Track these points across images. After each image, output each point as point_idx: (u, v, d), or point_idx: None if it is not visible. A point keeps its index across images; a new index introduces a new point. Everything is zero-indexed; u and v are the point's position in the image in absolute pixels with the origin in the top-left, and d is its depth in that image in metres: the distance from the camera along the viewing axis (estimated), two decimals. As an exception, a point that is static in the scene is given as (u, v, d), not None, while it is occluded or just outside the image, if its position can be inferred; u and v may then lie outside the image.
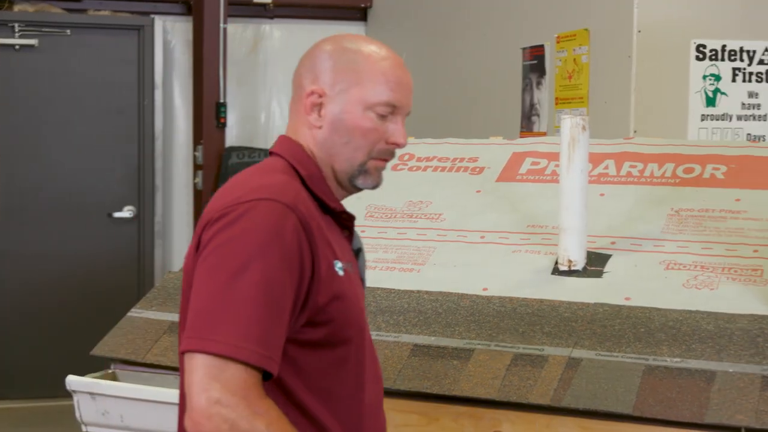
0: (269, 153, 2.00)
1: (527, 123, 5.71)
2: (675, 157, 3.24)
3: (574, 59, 5.01)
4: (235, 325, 1.69)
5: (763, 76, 5.02)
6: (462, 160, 3.49)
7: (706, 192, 3.07)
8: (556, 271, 2.90)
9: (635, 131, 4.68)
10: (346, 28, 7.23)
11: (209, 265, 1.76)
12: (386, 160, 1.97)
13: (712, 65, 4.92)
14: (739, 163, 3.16)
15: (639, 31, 4.70)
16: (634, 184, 3.19)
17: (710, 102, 4.95)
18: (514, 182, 3.32)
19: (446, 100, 6.40)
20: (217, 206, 1.83)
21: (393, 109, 1.94)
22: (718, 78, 4.95)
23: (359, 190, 1.98)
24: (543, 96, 5.38)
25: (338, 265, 1.87)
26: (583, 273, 2.86)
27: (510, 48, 5.69)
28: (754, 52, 4.98)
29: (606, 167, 3.28)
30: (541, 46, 5.36)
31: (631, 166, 3.25)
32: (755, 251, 2.79)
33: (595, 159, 3.25)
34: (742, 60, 4.98)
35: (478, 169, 3.43)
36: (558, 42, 5.17)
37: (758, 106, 5.05)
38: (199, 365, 1.68)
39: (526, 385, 2.50)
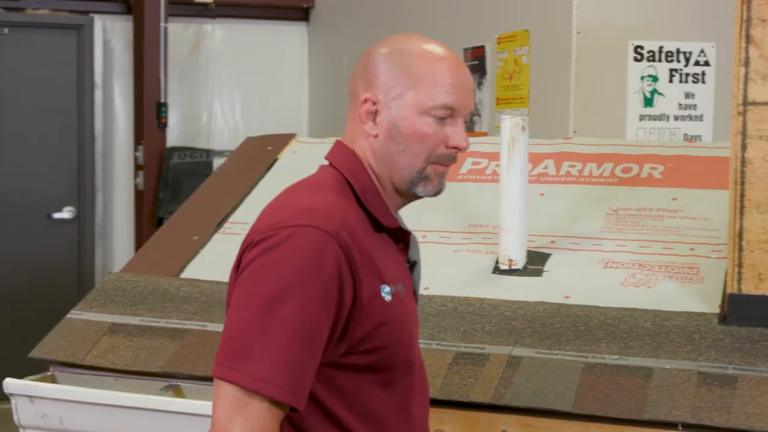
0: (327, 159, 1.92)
1: (469, 123, 5.74)
2: (613, 157, 3.28)
3: (515, 60, 5.05)
4: (266, 358, 1.67)
5: (699, 77, 5.10)
6: (403, 160, 3.49)
7: (643, 191, 3.11)
8: (496, 270, 2.92)
9: (575, 131, 4.73)
10: (287, 28, 7.23)
11: (246, 290, 1.72)
12: (447, 165, 1.88)
13: (649, 66, 4.99)
14: (676, 162, 3.21)
15: (578, 33, 4.75)
16: (574, 184, 3.22)
17: (648, 102, 5.02)
18: (455, 182, 3.33)
19: (388, 100, 6.40)
20: (261, 226, 1.77)
21: (452, 112, 1.84)
22: (655, 79, 5.02)
23: (420, 197, 1.90)
24: (484, 96, 5.41)
25: (385, 290, 1.79)
26: (523, 272, 2.89)
27: (453, 49, 5.71)
28: (691, 53, 5.05)
29: (546, 167, 3.31)
30: (482, 47, 5.39)
31: (571, 166, 3.29)
32: (692, 249, 2.84)
33: (534, 159, 3.28)
34: (678, 61, 5.05)
35: (419, 169, 3.44)
36: (499, 43, 5.20)
37: (694, 106, 5.13)
38: (226, 394, 1.68)
39: (467, 384, 2.51)
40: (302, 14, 7.25)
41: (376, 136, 1.85)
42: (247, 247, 1.77)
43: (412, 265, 1.96)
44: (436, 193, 1.89)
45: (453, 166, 3.40)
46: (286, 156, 3.63)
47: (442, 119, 1.84)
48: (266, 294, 1.69)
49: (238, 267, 1.79)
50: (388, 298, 1.80)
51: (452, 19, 5.73)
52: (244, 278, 1.73)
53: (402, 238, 1.92)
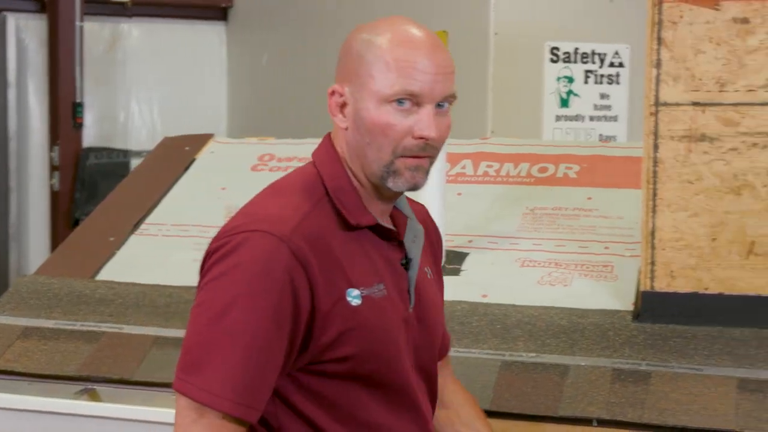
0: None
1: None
2: (530, 157, 3.32)
3: (433, 60, 5.08)
4: (218, 371, 1.62)
5: (614, 79, 5.19)
6: (322, 160, 3.49)
7: (559, 191, 3.15)
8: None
9: (492, 131, 4.77)
10: (206, 27, 7.18)
11: (199, 300, 1.67)
12: (419, 157, 1.72)
13: (565, 67, 5.06)
14: (591, 162, 3.25)
15: (496, 34, 4.80)
16: (491, 184, 3.25)
17: (564, 103, 5.09)
18: (373, 182, 3.34)
19: (309, 99, 6.40)
20: (219, 233, 1.71)
21: (415, 99, 1.70)
22: (571, 80, 5.09)
23: (400, 193, 1.78)
24: (403, 96, 5.43)
25: (353, 293, 1.70)
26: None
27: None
28: (605, 54, 5.14)
29: (463, 167, 3.34)
30: (401, 48, 5.41)
31: (488, 166, 3.32)
32: (606, 248, 2.88)
33: (452, 159, 3.30)
34: (593, 62, 5.13)
35: (338, 170, 3.44)
36: (417, 43, 5.22)
37: (609, 107, 5.21)
38: (182, 406, 1.65)
39: (386, 383, 2.52)
40: (221, 14, 7.21)
41: (346, 129, 1.76)
42: (206, 255, 1.71)
43: (407, 263, 1.81)
44: (410, 188, 1.74)
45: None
46: (203, 156, 3.60)
47: (405, 108, 1.70)
48: (217, 304, 1.64)
49: (199, 275, 1.74)
50: (355, 302, 1.71)
51: (372, 18, 5.73)
52: (200, 288, 1.69)
53: (388, 235, 1.79)
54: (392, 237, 1.80)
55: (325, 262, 1.68)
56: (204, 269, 1.70)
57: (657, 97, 2.53)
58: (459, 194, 3.21)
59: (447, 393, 2.02)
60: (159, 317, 2.87)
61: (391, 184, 1.73)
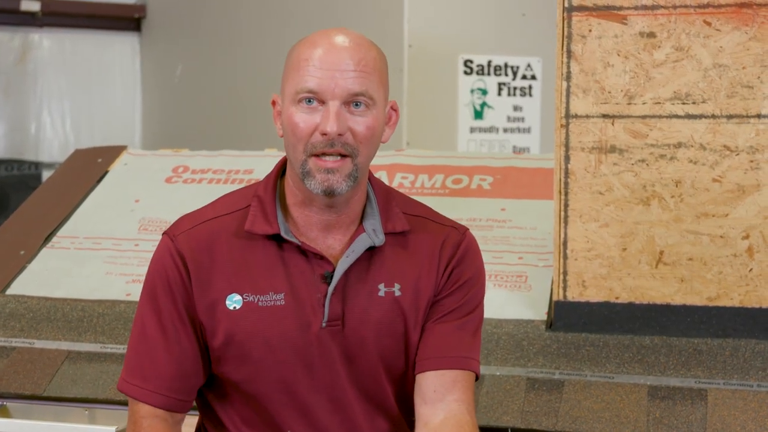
0: None
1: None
2: (444, 169, 3.34)
3: (349, 72, 5.09)
4: (127, 361, 1.88)
5: (527, 91, 5.25)
6: (237, 172, 3.48)
7: (473, 202, 3.17)
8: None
9: (408, 143, 4.80)
10: (119, 38, 7.10)
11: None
12: (325, 154, 1.73)
13: (479, 80, 5.11)
14: (505, 174, 3.29)
15: (410, 46, 4.83)
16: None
17: (478, 115, 5.14)
18: (289, 194, 3.34)
19: (223, 111, 6.36)
20: None
21: (317, 96, 1.73)
22: (484, 92, 5.14)
23: (330, 197, 1.76)
24: (319, 108, 5.43)
25: (234, 298, 1.76)
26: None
27: (284, 60, 5.72)
28: (518, 67, 5.20)
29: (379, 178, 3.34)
30: (317, 59, 5.42)
31: (403, 178, 3.33)
32: (520, 258, 2.91)
33: (368, 171, 3.30)
34: (507, 75, 5.19)
35: (253, 181, 3.42)
36: (332, 55, 5.23)
37: (522, 119, 5.28)
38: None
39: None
40: (134, 24, 7.12)
41: (282, 137, 1.81)
42: None
43: (327, 278, 1.79)
44: (324, 192, 1.74)
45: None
46: (116, 168, 3.56)
47: (312, 106, 1.73)
48: (140, 302, 1.87)
49: None
50: (234, 306, 1.76)
51: (286, 31, 5.74)
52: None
53: (303, 249, 1.79)
54: (305, 251, 1.79)
55: (211, 263, 1.79)
56: None
57: (567, 109, 2.57)
58: (374, 206, 3.22)
59: (435, 420, 1.85)
60: (71, 332, 2.83)
61: (308, 185, 1.74)
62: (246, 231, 1.80)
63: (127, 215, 3.28)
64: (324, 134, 1.72)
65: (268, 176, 1.88)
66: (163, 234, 1.86)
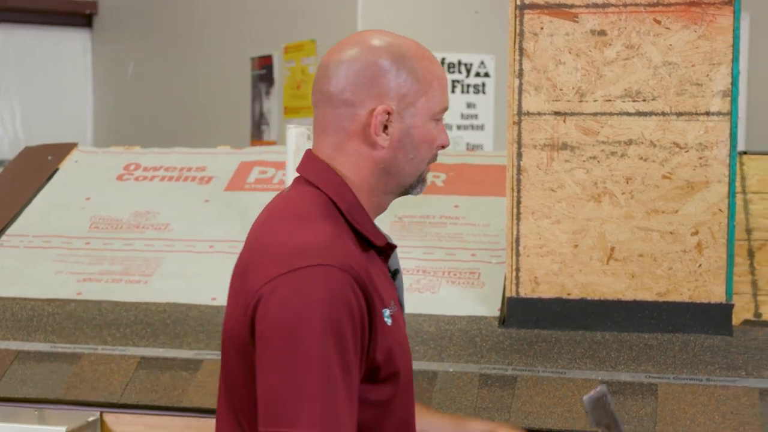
0: (299, 175, 1.82)
1: (257, 132, 5.73)
2: (398, 166, 3.34)
3: (302, 69, 5.08)
4: (308, 413, 1.58)
5: (480, 88, 5.27)
6: (190, 169, 3.46)
7: (427, 199, 3.18)
8: (284, 278, 2.92)
9: (362, 140, 4.80)
10: (70, 34, 7.04)
11: (275, 352, 1.61)
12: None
13: (433, 77, 5.12)
14: (458, 171, 3.30)
15: (364, 43, 4.82)
16: (360, 192, 3.26)
17: (432, 112, 5.14)
18: (242, 191, 3.33)
19: (175, 108, 6.33)
20: (266, 275, 1.64)
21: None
22: (438, 89, 5.15)
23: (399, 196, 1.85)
24: (272, 105, 5.42)
25: (387, 313, 1.73)
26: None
27: (239, 57, 5.70)
28: (471, 65, 5.21)
29: (332, 176, 3.34)
30: (270, 56, 5.40)
31: (357, 175, 3.33)
32: (473, 255, 2.93)
33: (321, 168, 3.30)
34: (460, 72, 5.20)
35: (206, 179, 3.41)
36: (286, 52, 5.22)
37: (476, 116, 5.29)
38: None
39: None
40: (85, 21, 7.07)
41: (383, 148, 1.77)
42: (259, 299, 1.64)
43: (394, 274, 1.88)
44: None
45: (240, 175, 3.41)
46: (67, 166, 3.53)
47: (439, 121, 1.84)
48: (302, 352, 1.59)
49: (250, 320, 1.65)
50: (389, 322, 1.74)
51: (239, 28, 5.71)
52: (270, 339, 1.61)
53: (388, 252, 1.83)
54: (388, 253, 1.84)
55: (372, 285, 1.70)
56: (263, 315, 1.63)
57: (520, 106, 2.59)
58: (328, 203, 3.22)
59: None
60: (21, 331, 2.80)
61: (417, 191, 1.83)
62: (380, 245, 1.79)
63: (77, 213, 3.25)
64: (442, 147, 1.84)
65: (338, 189, 1.78)
66: (323, 266, 1.63)
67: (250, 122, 5.67)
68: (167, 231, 3.18)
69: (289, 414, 1.58)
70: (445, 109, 1.84)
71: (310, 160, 1.81)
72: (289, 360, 1.59)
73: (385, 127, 1.76)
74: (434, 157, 1.84)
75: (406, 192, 1.83)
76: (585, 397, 1.88)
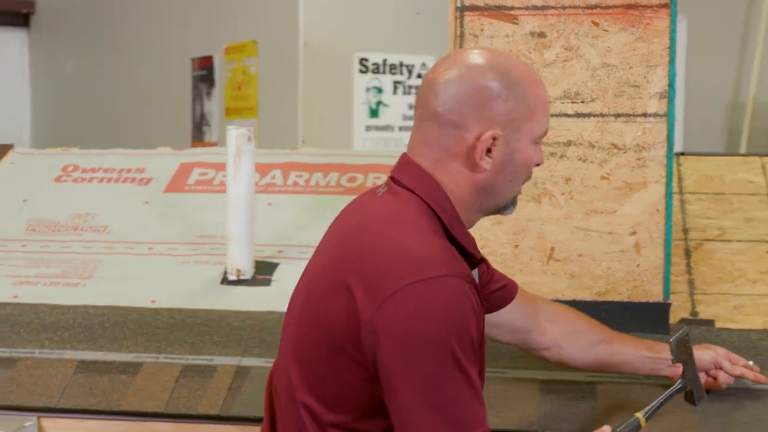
0: (391, 178, 1.81)
1: (198, 133, 5.70)
2: (339, 167, 3.34)
3: (243, 70, 5.05)
4: (475, 416, 1.65)
5: (422, 89, 5.27)
6: (129, 170, 3.43)
7: (368, 200, 3.18)
8: (225, 281, 2.91)
9: (304, 141, 4.79)
10: (6, 33, 6.94)
11: (416, 371, 1.62)
12: None
13: (374, 78, 5.12)
14: (399, 172, 3.30)
15: (305, 44, 4.82)
16: (301, 194, 3.26)
17: (374, 113, 5.15)
18: (182, 193, 3.30)
19: (115, 109, 6.27)
20: (386, 284, 1.63)
21: None
22: (380, 90, 5.16)
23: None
24: (213, 106, 5.39)
25: None
26: (251, 282, 2.89)
27: (179, 58, 5.66)
28: (413, 66, 5.23)
29: (273, 177, 3.33)
30: (210, 57, 5.37)
31: (298, 176, 3.33)
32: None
33: (262, 169, 3.29)
34: (402, 73, 5.21)
35: (145, 180, 3.38)
36: (227, 53, 5.20)
37: (418, 117, 5.30)
38: None
39: (195, 396, 2.49)
40: (22, 20, 6.98)
41: (485, 170, 1.78)
42: (380, 307, 1.63)
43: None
44: None
45: (180, 176, 3.39)
46: (3, 168, 3.48)
47: (538, 143, 1.84)
48: (445, 364, 1.62)
49: (367, 322, 1.65)
50: None
51: (180, 28, 5.67)
52: (406, 353, 1.62)
53: (479, 265, 1.88)
54: (480, 265, 1.90)
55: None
56: (387, 322, 1.63)
57: (460, 108, 2.59)
58: (269, 204, 3.21)
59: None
60: (-44, 335, 2.75)
61: (509, 211, 1.86)
62: (479, 258, 1.84)
63: (14, 215, 3.21)
64: (539, 164, 1.85)
65: (441, 202, 1.78)
66: (450, 277, 1.65)
67: (191, 123, 5.63)
68: (106, 233, 3.15)
69: (457, 418, 1.63)
70: (546, 132, 1.84)
71: (410, 166, 1.80)
72: (440, 368, 1.61)
73: (489, 150, 1.76)
74: (529, 177, 1.86)
75: (498, 211, 1.86)
76: (672, 339, 2.15)
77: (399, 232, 1.72)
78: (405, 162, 1.82)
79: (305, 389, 1.75)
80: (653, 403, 2.09)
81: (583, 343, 2.24)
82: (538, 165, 1.85)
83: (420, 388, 1.62)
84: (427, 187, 1.78)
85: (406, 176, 1.79)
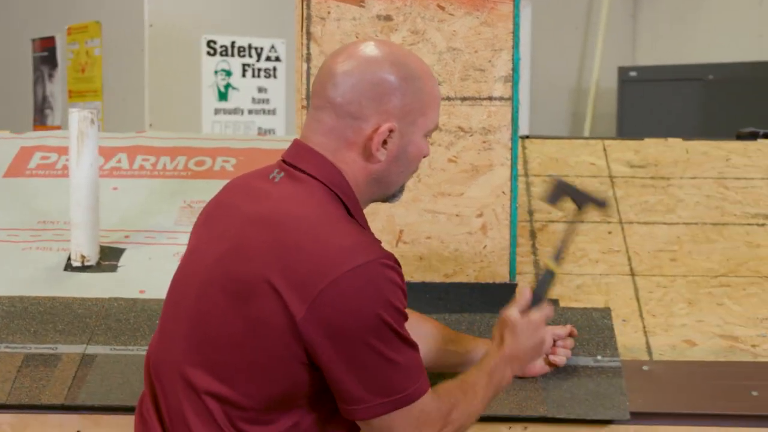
0: (285, 163, 1.89)
1: (40, 116, 5.54)
2: (187, 150, 3.30)
3: (87, 52, 4.93)
4: (409, 377, 1.79)
5: (271, 72, 5.25)
6: (-34, 155, 3.31)
7: (217, 184, 3.14)
8: (69, 267, 2.84)
9: (151, 125, 4.71)
10: None
11: (355, 359, 1.74)
12: None
13: (223, 61, 5.07)
14: (248, 155, 3.28)
15: (151, 26, 4.73)
16: (147, 178, 3.20)
17: (222, 96, 5.10)
18: (23, 177, 3.20)
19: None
20: (314, 280, 1.71)
21: None
22: (229, 73, 5.11)
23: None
24: (56, 89, 5.25)
25: None
26: (97, 268, 2.83)
27: (19, 39, 5.49)
28: (262, 48, 5.19)
29: (119, 161, 3.27)
30: (52, 38, 5.22)
31: (144, 160, 3.27)
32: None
33: (107, 153, 3.22)
34: (251, 56, 5.17)
35: (-16, 165, 3.27)
36: (69, 34, 5.06)
37: (267, 100, 5.28)
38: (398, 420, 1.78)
39: (39, 386, 2.42)
40: None
41: (380, 161, 1.86)
42: (314, 300, 1.71)
43: None
44: None
45: (20, 161, 3.29)
46: None
47: (428, 136, 1.93)
48: (383, 342, 1.74)
49: (306, 308, 1.72)
50: None
51: (19, 7, 5.50)
52: (343, 344, 1.73)
53: None
54: None
55: None
56: (323, 320, 1.71)
57: (308, 90, 2.59)
58: (114, 189, 3.14)
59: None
60: None
61: (396, 199, 1.96)
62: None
63: None
64: (425, 156, 1.94)
65: (344, 190, 1.85)
66: (375, 263, 1.75)
67: (32, 106, 5.47)
68: (-58, 220, 3.03)
69: (398, 383, 1.77)
70: (437, 126, 1.94)
71: (310, 153, 1.86)
72: (379, 347, 1.74)
73: (384, 142, 1.84)
74: (416, 169, 1.95)
75: (386, 200, 1.96)
76: (547, 198, 2.26)
77: (315, 223, 1.78)
78: (302, 148, 1.88)
79: (212, 378, 1.79)
80: (558, 246, 2.24)
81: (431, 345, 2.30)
82: (425, 157, 1.94)
83: (363, 374, 1.74)
84: (332, 175, 1.84)
85: (307, 163, 1.85)
